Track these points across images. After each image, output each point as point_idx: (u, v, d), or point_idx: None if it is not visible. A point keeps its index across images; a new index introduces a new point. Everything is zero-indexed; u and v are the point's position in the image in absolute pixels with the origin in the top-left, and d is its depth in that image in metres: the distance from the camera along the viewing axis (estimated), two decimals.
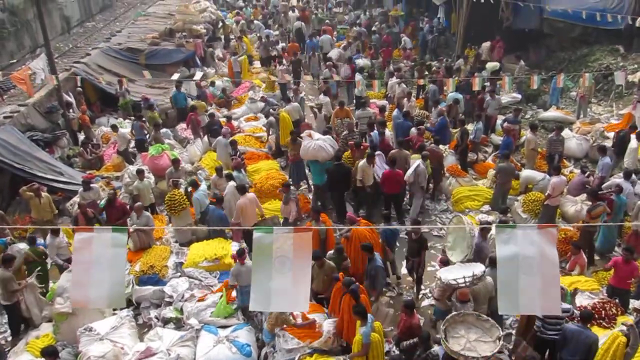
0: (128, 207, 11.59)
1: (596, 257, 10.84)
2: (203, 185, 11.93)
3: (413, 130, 13.82)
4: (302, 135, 13.14)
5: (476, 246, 9.24)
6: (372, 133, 13.69)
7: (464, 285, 8.26)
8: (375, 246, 9.52)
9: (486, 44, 19.60)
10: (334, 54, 21.51)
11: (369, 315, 7.63)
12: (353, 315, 7.70)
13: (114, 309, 9.47)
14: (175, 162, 12.80)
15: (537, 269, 5.40)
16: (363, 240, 9.51)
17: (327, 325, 8.43)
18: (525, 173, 12.83)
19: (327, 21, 26.79)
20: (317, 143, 12.48)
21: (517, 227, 5.58)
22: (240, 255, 9.07)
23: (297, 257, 5.59)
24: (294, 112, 15.57)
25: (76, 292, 5.85)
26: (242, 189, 10.96)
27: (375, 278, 9.04)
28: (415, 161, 11.91)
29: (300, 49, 24.04)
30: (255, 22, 28.70)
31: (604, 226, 10.64)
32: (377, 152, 12.65)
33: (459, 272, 8.57)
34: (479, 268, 8.57)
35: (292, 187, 11.17)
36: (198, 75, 20.50)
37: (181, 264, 10.42)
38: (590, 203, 10.87)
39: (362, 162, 11.79)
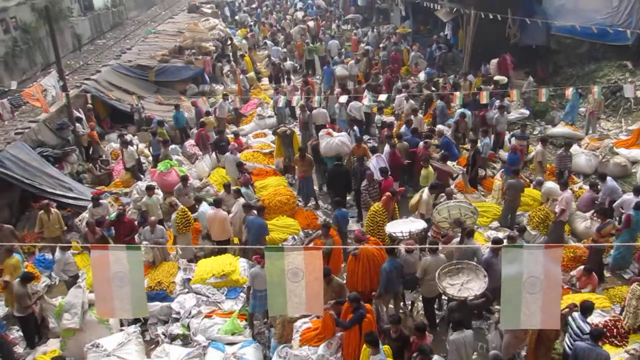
0: (136, 223, 11.64)
1: (607, 274, 10.73)
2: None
3: (420, 144, 13.82)
4: (320, 134, 14.14)
5: (485, 262, 9.16)
6: (355, 128, 14.44)
7: (402, 237, 9.99)
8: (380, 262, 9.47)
9: (495, 61, 19.65)
10: (339, 71, 21.67)
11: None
12: (365, 344, 7.50)
13: (121, 325, 9.49)
14: (184, 179, 12.83)
15: (540, 287, 5.57)
16: (371, 259, 9.44)
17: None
18: (548, 185, 12.34)
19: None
20: (338, 139, 13.60)
21: (524, 247, 5.72)
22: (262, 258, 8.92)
23: (309, 268, 5.84)
24: (320, 117, 16.10)
25: (101, 304, 6.33)
26: (217, 203, 11.29)
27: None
28: (423, 191, 11.73)
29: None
30: (266, 41, 28.97)
31: (619, 242, 10.51)
32: (377, 154, 13.27)
33: (401, 227, 10.31)
34: (416, 225, 10.38)
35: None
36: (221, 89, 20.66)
37: (189, 280, 10.42)
38: (599, 220, 10.78)
39: (425, 196, 11.44)
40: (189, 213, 11.71)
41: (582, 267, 9.66)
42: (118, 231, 11.28)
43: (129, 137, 16.94)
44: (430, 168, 12.42)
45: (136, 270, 5.94)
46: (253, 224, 10.72)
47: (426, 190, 11.53)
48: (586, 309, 7.85)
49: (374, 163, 12.97)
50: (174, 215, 11.51)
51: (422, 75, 20.73)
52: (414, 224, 10.54)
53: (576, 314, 7.88)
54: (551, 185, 12.16)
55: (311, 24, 29.72)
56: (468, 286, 8.59)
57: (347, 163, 13.37)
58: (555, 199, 11.65)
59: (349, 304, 8.18)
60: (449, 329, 8.01)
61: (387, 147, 13.53)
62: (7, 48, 26.16)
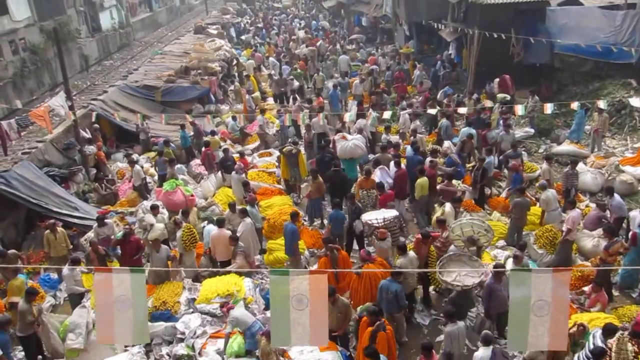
0: (142, 242, 11.63)
1: (616, 293, 10.62)
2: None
3: (426, 161, 13.80)
4: (335, 137, 15.03)
5: (487, 287, 9.02)
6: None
7: (377, 225, 10.86)
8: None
9: (496, 81, 19.73)
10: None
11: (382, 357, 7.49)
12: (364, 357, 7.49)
13: (126, 346, 9.43)
14: (190, 201, 12.75)
15: (548, 310, 5.59)
16: (374, 280, 9.40)
17: None
18: (548, 194, 12.11)
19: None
20: (353, 142, 14.38)
21: (532, 271, 5.71)
22: (225, 305, 9.46)
23: (314, 295, 5.71)
24: (318, 126, 16.92)
25: (102, 330, 6.12)
26: (220, 223, 11.24)
27: None
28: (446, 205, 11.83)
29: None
30: (270, 59, 29.23)
31: (626, 261, 10.42)
32: (380, 166, 13.71)
33: (376, 215, 11.32)
34: (389, 213, 11.31)
35: (240, 243, 10.94)
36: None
37: (194, 300, 10.37)
38: (607, 239, 10.70)
39: (448, 209, 11.53)
40: (194, 230, 11.70)
41: (590, 286, 9.56)
42: (124, 250, 11.25)
43: (135, 156, 17.04)
44: (425, 178, 12.70)
45: (139, 293, 5.85)
46: (287, 229, 11.27)
47: (448, 204, 11.71)
48: (608, 330, 7.63)
49: (379, 175, 13.44)
50: (179, 233, 11.49)
51: (440, 95, 20.58)
52: (387, 213, 11.47)
53: (598, 333, 7.76)
54: (550, 194, 12.06)
55: (319, 43, 29.97)
56: (464, 276, 9.33)
57: (356, 197, 12.53)
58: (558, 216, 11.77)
59: (368, 317, 8.17)
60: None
61: (392, 166, 13.54)
62: (15, 69, 26.50)
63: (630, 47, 16.86)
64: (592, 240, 11.48)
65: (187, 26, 44.83)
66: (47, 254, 11.88)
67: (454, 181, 13.38)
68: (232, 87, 24.76)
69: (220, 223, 11.31)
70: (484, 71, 20.40)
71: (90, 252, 11.07)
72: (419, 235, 10.56)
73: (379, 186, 12.48)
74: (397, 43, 31.05)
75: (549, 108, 15.41)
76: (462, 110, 15.89)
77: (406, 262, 9.75)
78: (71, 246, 12.21)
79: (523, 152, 15.82)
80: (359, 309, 9.23)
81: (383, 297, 9.01)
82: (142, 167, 15.88)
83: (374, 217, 11.27)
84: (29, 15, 29.03)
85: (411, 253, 10.00)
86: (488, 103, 16.76)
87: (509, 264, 9.97)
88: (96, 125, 18.21)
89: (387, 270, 9.59)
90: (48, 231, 11.71)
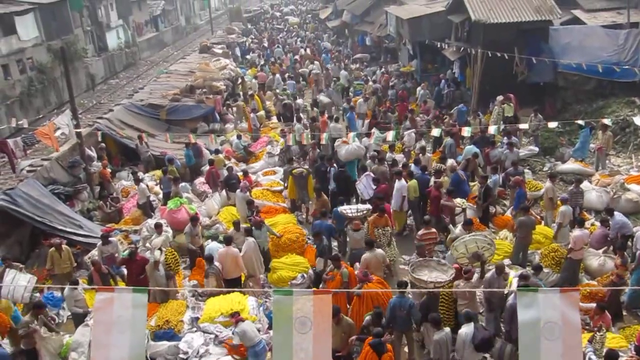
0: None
1: (623, 312, 10.50)
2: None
3: (431, 183, 13.81)
4: (336, 144, 16.39)
5: (511, 307, 8.84)
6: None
7: (351, 215, 12.13)
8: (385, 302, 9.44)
9: (500, 99, 19.76)
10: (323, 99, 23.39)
11: None
12: None
13: None
14: (194, 220, 12.80)
15: (559, 334, 5.33)
16: (374, 300, 9.38)
17: None
18: (548, 185, 12.79)
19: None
20: (356, 144, 16.03)
21: (539, 290, 5.55)
22: (234, 316, 9.31)
23: (318, 318, 5.58)
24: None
25: (97, 352, 5.88)
26: (227, 240, 11.23)
27: None
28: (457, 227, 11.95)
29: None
30: (275, 77, 29.43)
31: (633, 281, 10.33)
32: (366, 173, 14.28)
33: (350, 207, 12.89)
34: (364, 206, 12.85)
35: (215, 264, 11.05)
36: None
37: (197, 319, 10.30)
38: (614, 257, 10.62)
39: (458, 231, 11.61)
40: (177, 254, 11.92)
41: (594, 304, 9.47)
42: (130, 270, 11.14)
43: (140, 174, 17.09)
44: (415, 181, 13.65)
45: (139, 314, 5.71)
46: (321, 227, 11.87)
47: (459, 226, 11.83)
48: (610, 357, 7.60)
49: (364, 182, 14.07)
50: (162, 257, 11.47)
51: (454, 112, 20.55)
52: (362, 205, 12.95)
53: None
54: (566, 209, 12.05)
55: (329, 66, 30.15)
56: (434, 276, 9.94)
57: (370, 235, 11.94)
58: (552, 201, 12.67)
59: (373, 338, 8.10)
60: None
61: (397, 184, 13.54)
62: (23, 87, 26.80)
63: (632, 66, 16.92)
64: (597, 259, 11.39)
65: (192, 45, 45.30)
66: (51, 271, 11.85)
67: (458, 200, 13.34)
68: (234, 104, 24.91)
69: (227, 241, 11.25)
70: (488, 90, 20.49)
71: (93, 272, 11.04)
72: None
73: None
74: (400, 62, 31.24)
75: (553, 124, 15.43)
76: (466, 131, 15.87)
77: (371, 256, 10.44)
78: (75, 264, 12.20)
79: (527, 170, 15.80)
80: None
81: (396, 315, 8.94)
82: (147, 185, 15.91)
83: (349, 208, 12.67)
84: (36, 35, 29.46)
85: (378, 250, 10.75)
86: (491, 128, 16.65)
87: (514, 284, 9.90)
88: (102, 144, 18.30)
89: (387, 290, 9.71)
90: (53, 249, 11.71)
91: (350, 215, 12.18)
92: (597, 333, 8.43)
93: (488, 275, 9.68)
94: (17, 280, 10.40)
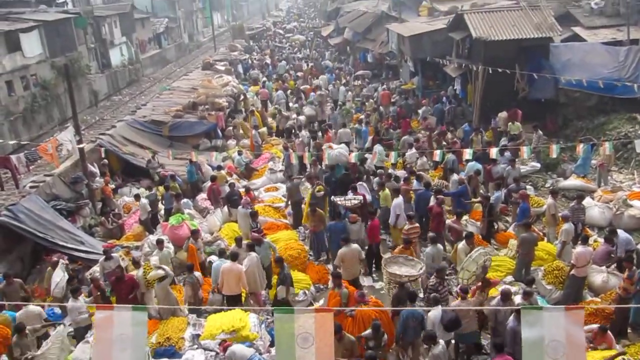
0: (137, 279, 11.43)
1: (629, 330, 10.40)
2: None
3: (432, 199, 13.79)
4: (324, 148, 17.04)
5: (511, 331, 8.70)
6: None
7: (348, 204, 13.46)
8: (385, 325, 9.44)
9: (503, 114, 19.80)
10: (308, 111, 24.29)
11: None
12: None
13: None
14: (194, 233, 12.79)
15: (564, 353, 5.25)
16: (367, 321, 9.36)
17: None
18: (549, 201, 13.02)
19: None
20: (338, 151, 16.55)
21: (544, 308, 5.50)
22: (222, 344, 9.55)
23: (320, 333, 5.59)
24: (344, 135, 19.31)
25: None
26: (234, 257, 11.17)
27: None
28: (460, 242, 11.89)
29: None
30: (279, 92, 29.57)
31: (638, 299, 10.24)
32: (360, 183, 14.99)
33: (344, 197, 13.89)
34: (357, 198, 13.73)
35: (196, 273, 11.29)
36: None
37: (198, 336, 10.23)
38: (617, 273, 10.55)
39: (462, 245, 11.66)
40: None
41: (595, 326, 9.41)
42: (119, 291, 10.91)
43: (141, 190, 17.13)
44: (387, 190, 14.16)
45: (139, 332, 5.69)
46: (335, 228, 12.50)
47: (463, 241, 11.77)
48: None
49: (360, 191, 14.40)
50: (140, 272, 11.43)
51: (460, 132, 20.55)
52: (355, 198, 13.83)
53: None
54: (569, 226, 12.06)
55: (331, 87, 30.32)
56: (404, 270, 10.76)
57: None
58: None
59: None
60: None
61: (398, 199, 13.53)
62: (26, 104, 26.94)
63: (633, 82, 16.98)
64: (601, 275, 11.31)
65: (195, 62, 45.56)
66: (49, 289, 11.83)
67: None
68: (232, 122, 25.02)
69: (234, 257, 11.13)
70: (489, 106, 20.54)
71: (92, 288, 11.00)
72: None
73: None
74: (402, 79, 31.39)
75: (554, 152, 15.51)
76: (468, 153, 15.90)
77: (346, 251, 11.21)
78: (75, 280, 12.16)
79: (529, 187, 15.77)
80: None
81: (409, 325, 9.09)
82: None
83: (342, 198, 13.88)
84: (41, 52, 29.68)
85: (354, 245, 11.49)
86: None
87: (517, 300, 9.81)
88: (105, 161, 18.35)
89: (382, 308, 9.83)
90: (50, 268, 11.72)
91: (349, 205, 13.52)
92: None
93: (493, 302, 9.45)
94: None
